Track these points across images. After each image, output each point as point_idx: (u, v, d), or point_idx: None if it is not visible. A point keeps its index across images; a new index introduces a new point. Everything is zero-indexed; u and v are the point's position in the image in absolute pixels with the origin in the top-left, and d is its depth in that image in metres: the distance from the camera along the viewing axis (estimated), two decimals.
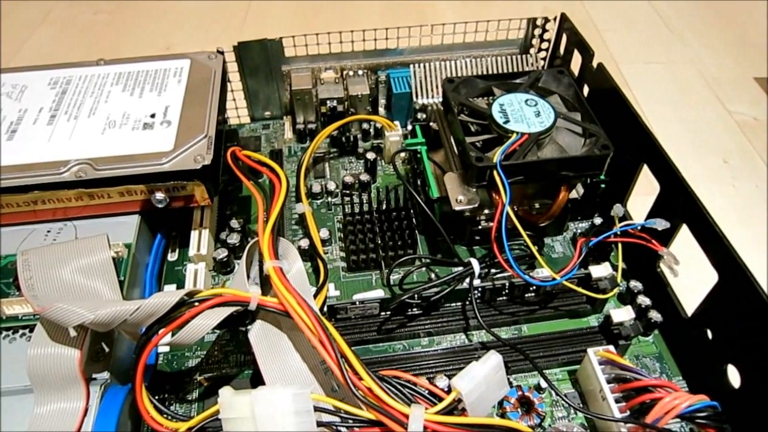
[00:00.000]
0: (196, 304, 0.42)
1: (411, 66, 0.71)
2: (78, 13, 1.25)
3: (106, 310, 0.39)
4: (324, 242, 0.61)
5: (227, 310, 0.43)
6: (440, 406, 0.41)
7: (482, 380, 0.42)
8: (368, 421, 0.40)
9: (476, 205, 0.55)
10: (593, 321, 0.56)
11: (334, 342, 0.41)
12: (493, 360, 0.43)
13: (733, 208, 0.81)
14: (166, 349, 0.53)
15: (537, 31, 0.73)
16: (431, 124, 0.65)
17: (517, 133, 0.54)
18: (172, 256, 0.60)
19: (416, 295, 0.52)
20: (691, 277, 0.51)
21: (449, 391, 0.43)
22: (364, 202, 0.63)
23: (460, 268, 0.53)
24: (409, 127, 0.70)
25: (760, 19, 1.21)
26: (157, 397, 0.49)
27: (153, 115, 0.56)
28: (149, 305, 0.41)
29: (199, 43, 1.12)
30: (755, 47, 1.13)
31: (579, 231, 0.63)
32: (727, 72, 1.06)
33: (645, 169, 0.56)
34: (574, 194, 0.59)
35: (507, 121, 0.55)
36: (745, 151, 0.90)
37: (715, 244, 0.47)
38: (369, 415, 0.40)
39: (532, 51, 0.75)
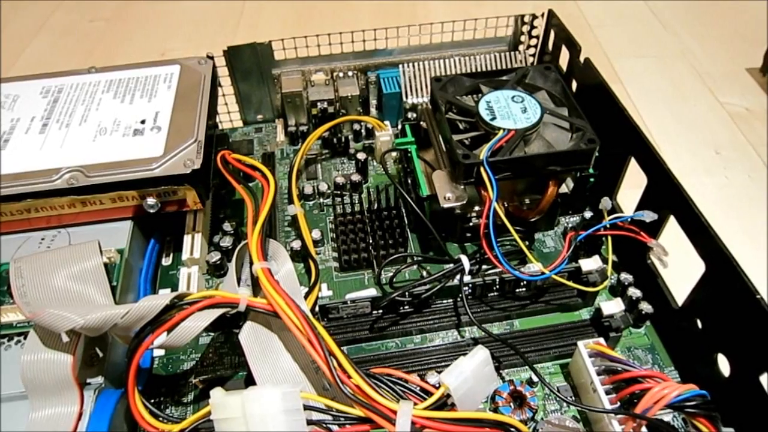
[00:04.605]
0: (186, 306, 0.43)
1: (400, 66, 0.72)
2: (74, 21, 1.27)
3: (96, 314, 0.40)
4: (316, 243, 0.61)
5: (217, 312, 0.44)
6: (429, 401, 0.42)
7: (470, 375, 0.42)
8: (358, 418, 0.41)
9: (464, 202, 0.55)
10: (585, 314, 0.56)
11: (323, 341, 0.42)
12: (480, 354, 0.43)
13: (726, 199, 0.81)
14: (161, 352, 0.54)
15: (525, 28, 0.74)
16: (421, 123, 0.65)
17: (504, 129, 0.54)
18: (166, 261, 0.61)
19: (407, 293, 0.52)
20: (680, 267, 0.51)
21: (440, 387, 0.43)
22: (356, 202, 0.63)
23: (451, 265, 0.53)
24: (400, 127, 0.70)
25: (751, 11, 1.21)
26: (152, 400, 0.50)
27: (143, 121, 0.57)
28: (139, 309, 0.41)
29: (194, 47, 1.13)
30: (746, 39, 1.13)
31: (570, 225, 0.63)
32: (718, 64, 1.07)
33: (633, 161, 0.57)
34: (564, 189, 0.60)
35: (494, 118, 0.55)
36: (737, 142, 0.90)
37: (702, 235, 0.47)
38: (358, 413, 0.41)
39: (521, 48, 0.75)
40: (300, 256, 0.59)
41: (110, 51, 1.17)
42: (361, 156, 0.68)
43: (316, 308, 0.53)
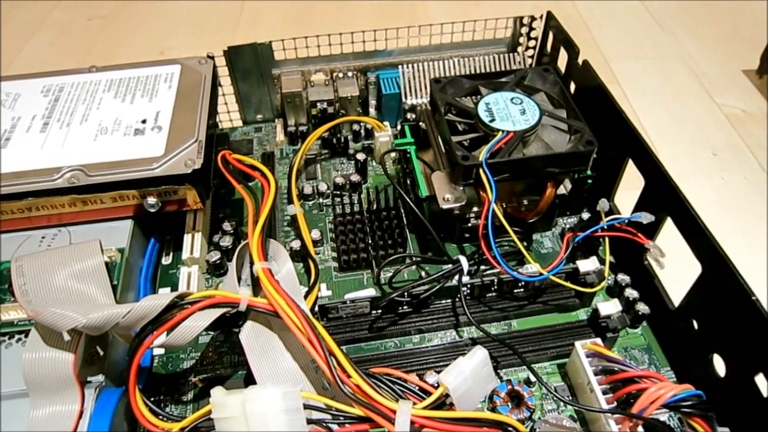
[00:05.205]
0: (187, 306, 0.43)
1: (400, 67, 0.72)
2: (73, 20, 1.26)
3: (98, 313, 0.40)
4: (315, 243, 0.61)
5: (218, 312, 0.44)
6: (428, 401, 0.42)
7: (469, 375, 0.43)
8: (357, 417, 0.41)
9: (463, 203, 0.56)
10: (582, 314, 0.57)
11: (323, 340, 0.42)
12: (479, 355, 0.44)
13: (722, 201, 0.81)
14: (161, 351, 0.54)
15: (524, 30, 0.74)
16: (420, 123, 0.65)
17: (503, 131, 0.54)
18: (166, 260, 0.61)
19: (406, 293, 0.53)
20: (677, 268, 0.52)
21: (439, 386, 0.44)
22: (355, 202, 0.64)
23: (450, 266, 0.54)
24: (399, 128, 0.70)
25: (748, 13, 1.21)
26: (152, 399, 0.50)
27: (144, 121, 0.57)
28: (140, 308, 0.42)
29: (193, 46, 1.13)
30: (743, 40, 1.14)
31: (567, 226, 0.64)
32: (715, 65, 1.07)
33: (631, 163, 0.57)
34: (562, 190, 0.60)
35: (493, 120, 0.55)
36: (734, 144, 0.90)
37: (698, 236, 0.47)
38: (358, 412, 0.41)
39: (520, 49, 0.76)
40: (299, 256, 0.60)
41: (108, 49, 1.17)
42: (360, 156, 0.68)
43: (316, 308, 0.53)
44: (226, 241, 0.60)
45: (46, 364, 0.42)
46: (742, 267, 0.44)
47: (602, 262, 0.55)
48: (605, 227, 0.56)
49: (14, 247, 0.53)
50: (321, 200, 0.67)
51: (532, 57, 0.76)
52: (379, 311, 0.55)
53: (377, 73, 0.74)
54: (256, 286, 0.48)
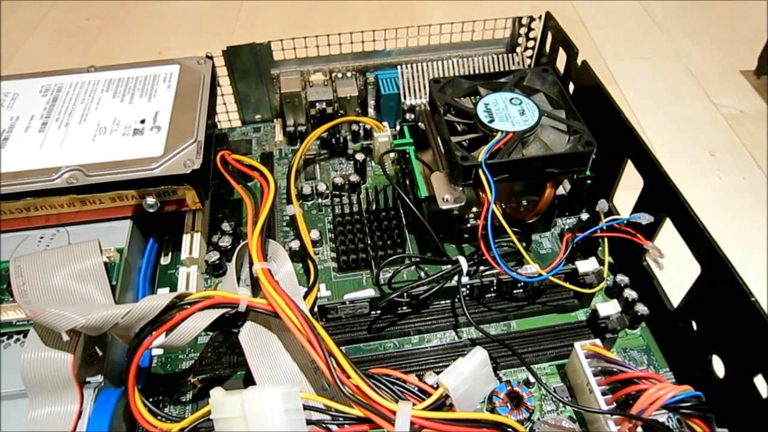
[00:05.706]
0: (187, 306, 0.43)
1: (399, 67, 0.72)
2: (71, 19, 1.26)
3: (97, 314, 0.40)
4: (315, 243, 0.61)
5: (217, 312, 0.44)
6: (427, 402, 0.42)
7: (469, 376, 0.43)
8: (357, 418, 0.41)
9: (463, 204, 0.56)
10: (581, 315, 0.57)
11: (322, 341, 0.42)
12: (479, 356, 0.44)
13: (720, 201, 0.81)
14: (160, 351, 0.54)
15: (523, 30, 0.74)
16: (419, 124, 0.65)
17: (502, 131, 0.54)
18: (165, 260, 0.61)
19: (405, 294, 0.53)
20: (676, 269, 0.52)
21: (439, 387, 0.44)
22: (354, 202, 0.64)
23: (449, 266, 0.54)
24: (398, 128, 0.70)
25: (746, 13, 1.22)
26: (151, 399, 0.50)
27: (143, 121, 0.57)
28: (140, 309, 0.41)
29: (192, 46, 1.12)
30: (741, 41, 1.14)
31: (567, 227, 0.64)
32: (713, 66, 1.07)
33: (630, 164, 0.57)
34: (561, 190, 0.60)
35: (492, 120, 0.55)
36: (731, 144, 0.91)
37: (697, 237, 0.47)
38: (358, 413, 0.41)
39: (519, 50, 0.76)
40: (298, 256, 0.60)
41: (107, 49, 1.17)
42: (359, 156, 0.68)
43: (315, 308, 0.53)
44: (225, 242, 0.59)
45: (45, 364, 0.42)
46: (740, 267, 0.44)
47: (601, 262, 0.55)
48: (604, 228, 0.56)
49: (13, 247, 0.53)
50: (320, 200, 0.67)
51: (530, 57, 0.76)
52: (379, 312, 0.55)
53: (376, 74, 0.74)
54: (255, 287, 0.49)
